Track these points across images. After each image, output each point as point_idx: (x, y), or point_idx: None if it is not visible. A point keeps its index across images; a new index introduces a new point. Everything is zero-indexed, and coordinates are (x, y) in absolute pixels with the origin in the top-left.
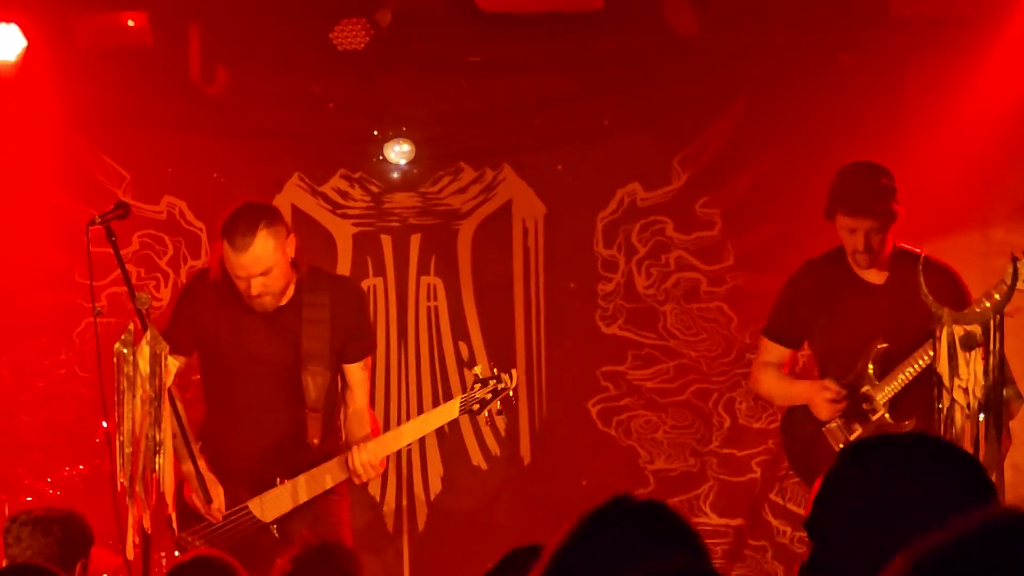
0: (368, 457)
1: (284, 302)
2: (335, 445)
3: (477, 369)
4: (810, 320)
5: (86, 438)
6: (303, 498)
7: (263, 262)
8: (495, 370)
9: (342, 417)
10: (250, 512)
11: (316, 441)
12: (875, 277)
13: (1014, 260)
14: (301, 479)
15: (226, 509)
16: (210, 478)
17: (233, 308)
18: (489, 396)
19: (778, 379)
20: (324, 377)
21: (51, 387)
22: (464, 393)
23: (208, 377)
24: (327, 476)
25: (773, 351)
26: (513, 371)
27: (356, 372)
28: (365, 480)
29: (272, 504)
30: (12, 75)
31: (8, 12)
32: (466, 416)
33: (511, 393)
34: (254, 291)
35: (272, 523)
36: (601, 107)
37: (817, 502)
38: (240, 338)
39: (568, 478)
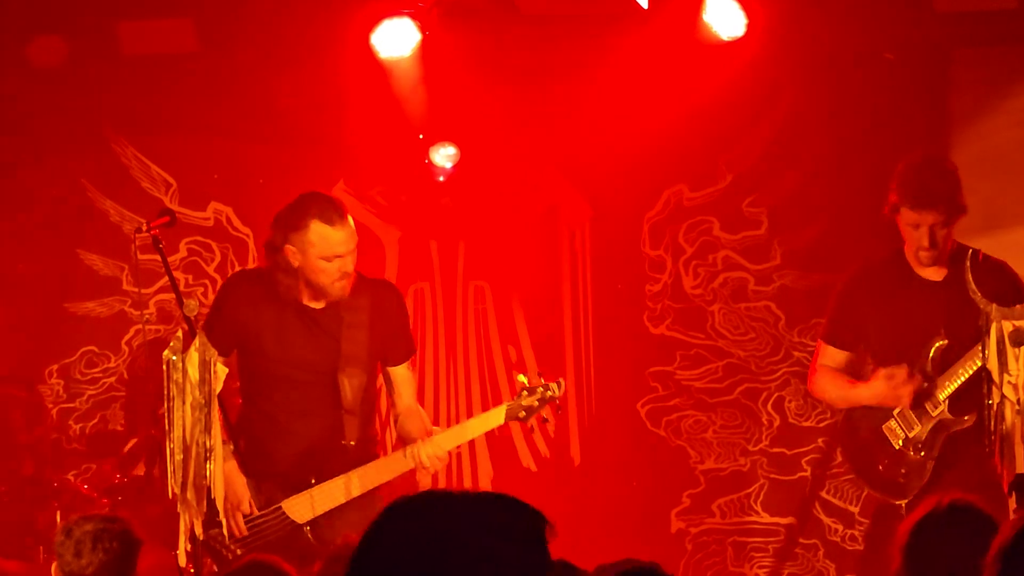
0: (434, 450)
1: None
2: (370, 446)
3: (523, 378)
4: (868, 321)
5: (136, 445)
6: (339, 501)
7: (354, 236)
8: (542, 379)
9: (392, 417)
10: (283, 512)
11: (352, 443)
12: (934, 274)
13: None
14: (337, 483)
15: (260, 510)
16: (241, 480)
17: (274, 310)
18: (536, 404)
19: (840, 384)
20: (360, 379)
21: (100, 395)
22: (511, 400)
23: (247, 379)
24: (376, 473)
25: (831, 355)
26: (561, 380)
27: (402, 373)
28: (432, 471)
29: (307, 505)
30: (58, 82)
31: (53, 21)
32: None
33: (558, 401)
34: (350, 267)
35: (305, 525)
36: (646, 108)
37: None
38: (281, 340)
39: (618, 479)
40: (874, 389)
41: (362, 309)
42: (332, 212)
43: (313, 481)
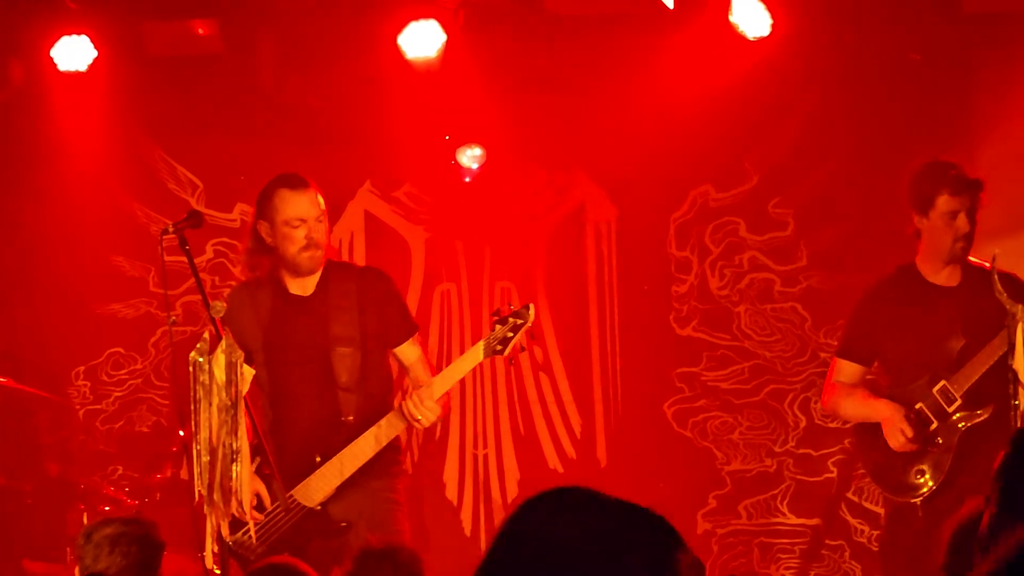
0: (420, 401)
1: (315, 283)
2: (372, 423)
3: (496, 312)
4: (885, 334)
5: (163, 447)
6: (347, 473)
7: (319, 205)
8: (511, 306)
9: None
10: (296, 500)
11: (351, 418)
12: (948, 279)
13: None
14: (341, 455)
15: (274, 503)
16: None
17: (263, 303)
18: (510, 334)
19: (856, 398)
20: (354, 358)
21: (127, 397)
22: (486, 336)
23: (258, 379)
24: (372, 439)
25: (846, 371)
26: (531, 305)
27: (407, 351)
28: (426, 424)
29: (316, 486)
30: (85, 85)
31: (79, 23)
32: (543, 421)
33: (530, 326)
34: (315, 234)
35: (318, 505)
36: (672, 108)
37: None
38: (271, 332)
39: (645, 480)
40: (882, 410)
41: (349, 293)
42: (295, 180)
43: (318, 459)
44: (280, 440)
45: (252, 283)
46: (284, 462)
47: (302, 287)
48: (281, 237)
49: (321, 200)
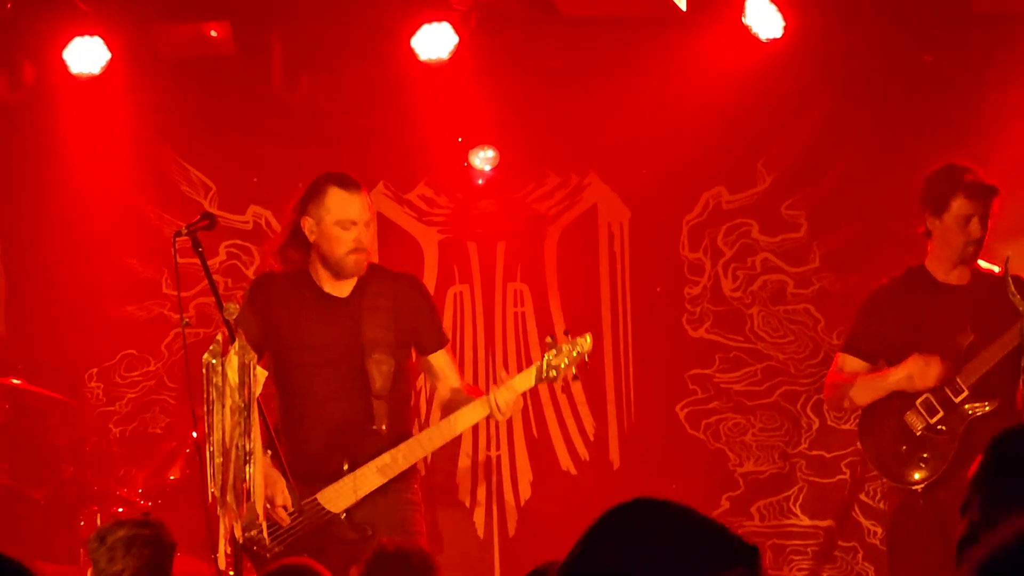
0: (508, 395)
1: (352, 286)
2: (403, 431)
3: (550, 338)
4: (892, 331)
5: (176, 448)
6: (378, 483)
7: (369, 209)
8: (569, 336)
9: (437, 403)
10: (319, 504)
11: (384, 427)
12: (958, 278)
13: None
14: (372, 466)
15: (294, 505)
16: (275, 475)
17: (295, 300)
18: (566, 362)
19: (864, 376)
20: (388, 364)
21: (140, 398)
22: (539, 361)
23: (275, 374)
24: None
25: (849, 366)
26: (588, 335)
27: (440, 359)
28: (508, 416)
29: (343, 493)
30: (97, 87)
31: (91, 25)
32: (555, 423)
33: (587, 358)
34: (365, 241)
35: (342, 513)
36: (685, 110)
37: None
38: (301, 327)
39: (658, 482)
40: (906, 367)
41: (384, 296)
42: (349, 181)
43: (346, 467)
44: (300, 440)
45: (281, 276)
46: (305, 463)
47: (338, 288)
48: (329, 238)
49: (370, 204)
